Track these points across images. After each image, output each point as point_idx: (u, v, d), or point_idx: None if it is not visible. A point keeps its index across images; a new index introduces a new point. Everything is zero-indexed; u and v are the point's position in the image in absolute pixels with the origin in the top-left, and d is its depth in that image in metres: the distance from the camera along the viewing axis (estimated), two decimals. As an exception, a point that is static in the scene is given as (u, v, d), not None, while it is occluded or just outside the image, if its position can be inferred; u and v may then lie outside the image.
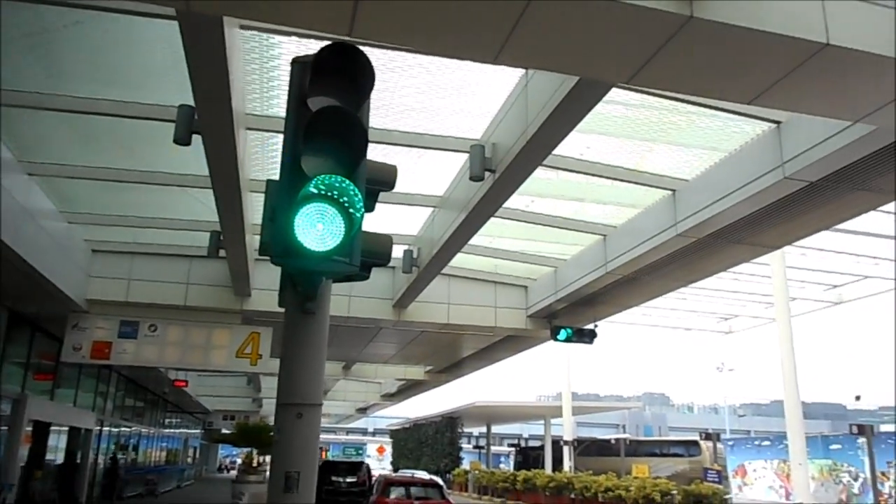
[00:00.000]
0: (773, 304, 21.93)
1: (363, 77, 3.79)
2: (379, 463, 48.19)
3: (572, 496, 24.79)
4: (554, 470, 32.29)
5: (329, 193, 3.43)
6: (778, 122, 8.98)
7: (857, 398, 46.60)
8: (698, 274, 13.66)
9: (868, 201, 9.63)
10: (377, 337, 21.88)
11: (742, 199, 9.54)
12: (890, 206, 18.58)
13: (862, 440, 18.68)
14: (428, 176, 12.11)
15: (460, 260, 15.57)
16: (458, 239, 12.25)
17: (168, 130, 8.25)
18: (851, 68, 5.85)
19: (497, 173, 9.24)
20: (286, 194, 3.61)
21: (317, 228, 3.40)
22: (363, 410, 52.10)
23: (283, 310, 4.31)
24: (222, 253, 13.06)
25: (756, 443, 41.44)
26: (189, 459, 47.52)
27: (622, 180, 11.22)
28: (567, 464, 31.80)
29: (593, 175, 11.14)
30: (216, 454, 66.65)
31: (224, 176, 9.33)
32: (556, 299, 15.82)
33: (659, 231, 11.51)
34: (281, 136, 4.68)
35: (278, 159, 4.02)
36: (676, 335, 43.42)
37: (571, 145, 10.62)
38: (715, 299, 28.89)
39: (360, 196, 3.47)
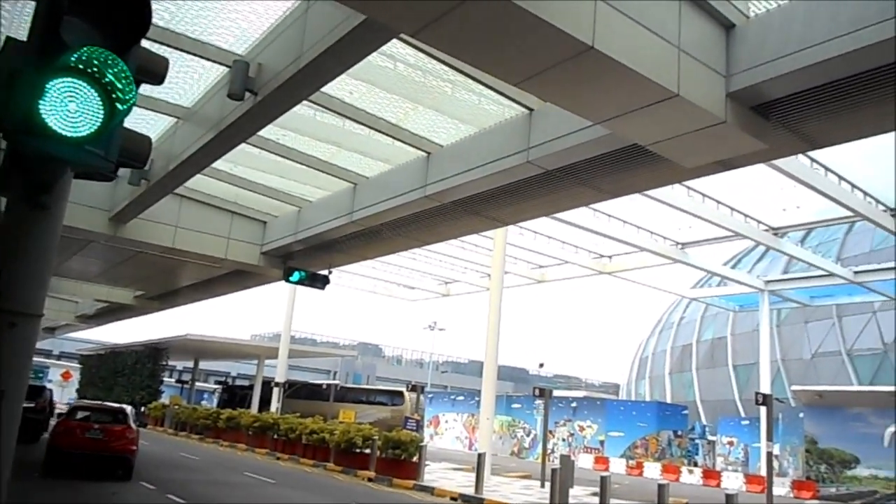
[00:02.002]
0: (490, 275, 23.95)
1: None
2: (63, 390, 43.37)
3: (276, 437, 24.86)
4: (261, 411, 32.07)
5: (91, 71, 2.80)
6: (531, 110, 9.68)
7: (541, 365, 53.79)
8: (436, 237, 14.36)
9: (589, 197, 10.90)
10: (84, 251, 19.45)
11: (488, 174, 10.16)
12: (599, 205, 21.31)
13: (539, 402, 21.43)
14: (176, 83, 10.91)
15: (198, 182, 14.43)
16: (201, 159, 11.29)
17: None
18: (606, 75, 6.48)
19: (259, 96, 8.61)
20: (34, 59, 2.86)
21: (68, 109, 2.75)
22: (51, 330, 46.34)
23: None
24: None
25: (452, 397, 45.68)
26: None
27: (382, 132, 11.24)
28: (275, 405, 31.77)
29: (355, 121, 11.00)
30: None
31: None
32: (296, 240, 15.49)
33: (409, 190, 11.80)
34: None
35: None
36: (399, 291, 45.88)
37: (339, 87, 10.36)
38: (441, 263, 30.91)
39: (131, 81, 2.88)
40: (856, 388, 30.62)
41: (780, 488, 25.07)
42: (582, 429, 35.42)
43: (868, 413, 25.08)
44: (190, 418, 32.48)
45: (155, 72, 3.57)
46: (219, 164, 13.40)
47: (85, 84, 2.82)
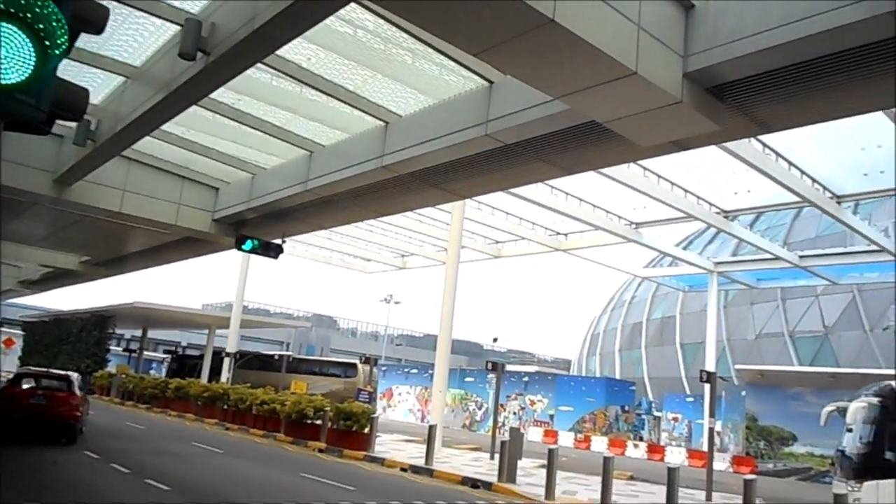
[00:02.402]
0: (447, 249, 23.96)
1: None
2: (5, 357, 42.03)
3: (226, 407, 24.60)
4: (211, 381, 31.65)
5: (21, 14, 2.62)
6: (491, 82, 9.60)
7: (495, 340, 54.42)
8: (393, 208, 14.25)
9: (546, 172, 10.93)
10: (27, 213, 18.73)
11: (446, 146, 10.08)
12: (557, 180, 21.43)
13: (492, 375, 21.64)
14: (125, 41, 10.50)
15: (148, 144, 14.02)
16: (151, 120, 10.92)
17: None
18: (566, 49, 6.44)
19: (211, 56, 8.32)
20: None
21: (-3, 54, 2.59)
22: (-8, 295, 44.81)
23: None
24: None
25: (406, 370, 45.87)
26: None
27: (340, 100, 11.04)
28: (225, 375, 31.40)
29: (312, 88, 10.77)
30: None
31: None
32: (249, 208, 15.18)
33: (366, 159, 11.64)
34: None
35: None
36: (355, 263, 45.34)
37: (296, 51, 10.12)
38: (398, 236, 30.79)
39: (64, 26, 2.71)
40: (796, 368, 31.78)
41: (721, 463, 25.96)
42: (533, 403, 36.01)
43: (806, 393, 26.09)
44: (137, 387, 31.88)
45: (93, 20, 3.37)
46: (170, 128, 13.02)
47: (14, 29, 2.66)
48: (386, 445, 20.82)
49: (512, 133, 9.27)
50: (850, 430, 16.32)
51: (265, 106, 12.34)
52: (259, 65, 10.10)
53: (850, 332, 34.36)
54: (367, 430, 18.79)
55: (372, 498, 11.64)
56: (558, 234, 28.23)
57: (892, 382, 15.72)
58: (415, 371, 43.69)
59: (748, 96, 7.40)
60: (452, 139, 9.94)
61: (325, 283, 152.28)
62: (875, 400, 15.50)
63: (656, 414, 37.88)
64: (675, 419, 35.25)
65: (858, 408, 16.12)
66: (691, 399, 34.46)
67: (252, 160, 14.99)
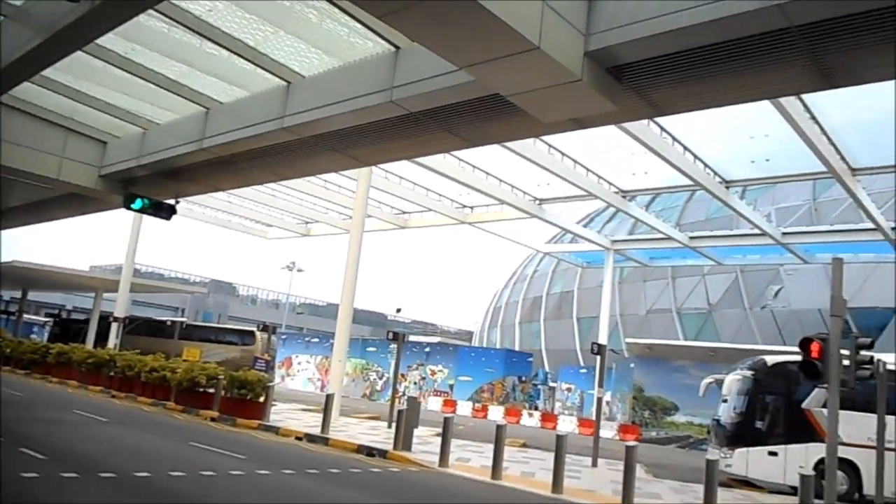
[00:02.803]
0: (351, 217, 23.66)
1: None
2: None
3: (112, 374, 23.46)
4: (97, 347, 30.06)
5: None
6: (398, 48, 9.42)
7: (398, 310, 54.34)
8: (294, 172, 13.87)
9: (451, 143, 10.90)
10: None
11: (350, 111, 9.85)
12: (464, 152, 21.51)
13: (394, 346, 21.67)
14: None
15: (28, 91, 12.97)
16: (31, 64, 10.08)
17: None
18: (471, 18, 6.36)
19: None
20: None
21: None
22: None
23: None
24: None
25: (306, 339, 45.27)
26: None
27: (240, 56, 10.54)
28: (113, 341, 29.89)
29: (210, 40, 10.24)
30: None
31: None
32: (139, 164, 14.34)
33: (266, 119, 11.22)
34: None
35: None
36: (256, 228, 43.74)
37: (195, 1, 9.57)
38: (302, 202, 30.11)
39: None
40: (681, 343, 33.67)
41: (609, 431, 27.29)
42: (433, 373, 36.48)
43: (689, 366, 27.72)
44: (15, 352, 29.87)
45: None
46: (54, 75, 12.11)
47: None
48: (282, 415, 20.52)
49: (417, 101, 9.15)
50: (725, 401, 17.50)
51: (160, 57, 11.64)
52: (153, 13, 9.51)
53: (731, 310, 36.70)
54: (262, 399, 18.42)
55: (263, 466, 11.43)
56: (464, 206, 28.46)
57: (766, 357, 16.93)
58: (316, 340, 43.18)
59: (644, 79, 7.61)
60: (357, 103, 9.72)
61: (224, 248, 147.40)
62: (749, 373, 16.66)
63: (552, 384, 39.28)
64: (569, 389, 36.70)
65: (734, 380, 17.29)
66: (584, 370, 35.91)
67: (144, 114, 14.14)
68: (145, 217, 21.98)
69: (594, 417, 19.56)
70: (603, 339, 29.41)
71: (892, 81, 12.16)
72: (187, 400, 19.72)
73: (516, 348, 44.97)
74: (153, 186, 15.44)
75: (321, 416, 17.09)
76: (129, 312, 33.29)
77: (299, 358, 42.13)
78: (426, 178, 24.88)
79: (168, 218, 15.63)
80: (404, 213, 30.45)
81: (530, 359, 38.79)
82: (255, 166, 13.22)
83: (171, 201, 15.73)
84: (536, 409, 35.65)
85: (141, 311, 46.58)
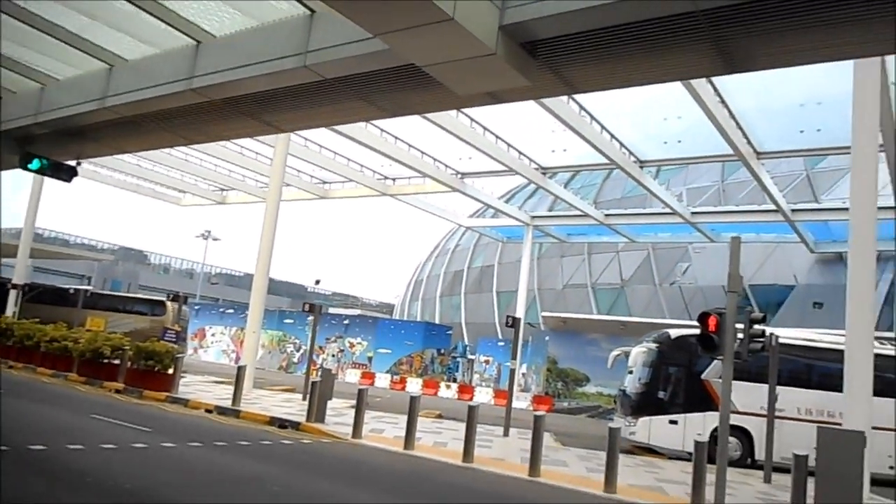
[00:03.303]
0: (268, 186, 23.08)
1: None
2: None
3: (9, 344, 22.18)
4: (-6, 314, 28.34)
5: None
6: (313, 11, 9.13)
7: (318, 282, 53.31)
8: (205, 136, 13.31)
9: (368, 112, 10.70)
10: None
11: (262, 74, 9.50)
12: (386, 123, 21.28)
13: (311, 318, 21.43)
14: None
15: None
16: None
17: None
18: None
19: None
20: None
21: None
22: None
23: None
24: None
25: (221, 310, 44.14)
26: None
27: (146, 11, 9.98)
28: (11, 310, 28.25)
29: (113, -9, 9.63)
30: None
31: None
32: (37, 122, 13.42)
33: (174, 79, 10.68)
34: None
35: None
36: (169, 194, 41.57)
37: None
38: (217, 168, 29.11)
39: None
40: (594, 316, 34.80)
41: (523, 402, 28.08)
42: (352, 345, 36.35)
43: (601, 339, 28.76)
44: None
45: None
46: (-62, 21, 11.11)
47: None
48: (193, 387, 20.02)
49: (332, 67, 8.91)
50: (631, 372, 18.25)
51: (60, 7, 10.87)
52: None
53: (642, 286, 38.15)
54: (171, 371, 17.87)
55: (168, 439, 11.12)
56: (386, 178, 28.25)
57: (670, 331, 17.69)
58: (231, 311, 42.18)
59: (558, 55, 7.66)
60: (270, 67, 9.37)
61: (135, 214, 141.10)
62: (653, 346, 17.40)
63: (470, 357, 39.90)
64: (487, 362, 37.36)
65: (639, 352, 18.03)
66: (502, 343, 36.60)
67: (43, 68, 13.21)
68: (47, 179, 20.73)
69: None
70: (520, 313, 30.03)
71: (798, 69, 12.78)
72: (91, 371, 18.90)
73: (437, 321, 45.34)
74: (53, 146, 14.51)
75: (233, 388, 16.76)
76: (30, 279, 31.47)
77: (213, 329, 41.08)
78: (347, 148, 24.51)
79: (69, 180, 14.78)
80: (325, 182, 29.95)
81: (450, 332, 39.21)
82: (162, 128, 12.60)
83: (73, 163, 14.87)
84: (455, 381, 36.17)
85: (44, 278, 44.07)
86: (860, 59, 11.88)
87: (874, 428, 12.18)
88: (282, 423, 14.64)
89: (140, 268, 71.17)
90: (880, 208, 13.60)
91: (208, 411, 15.80)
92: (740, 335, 10.76)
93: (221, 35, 10.29)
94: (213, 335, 40.89)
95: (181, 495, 7.82)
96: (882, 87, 13.20)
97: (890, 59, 13.55)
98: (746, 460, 15.90)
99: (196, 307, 43.15)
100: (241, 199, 33.01)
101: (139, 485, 7.89)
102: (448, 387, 32.05)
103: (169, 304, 28.84)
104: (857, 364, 12.09)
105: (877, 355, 13.04)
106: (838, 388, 12.57)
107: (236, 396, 16.22)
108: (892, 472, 14.24)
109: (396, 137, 22.55)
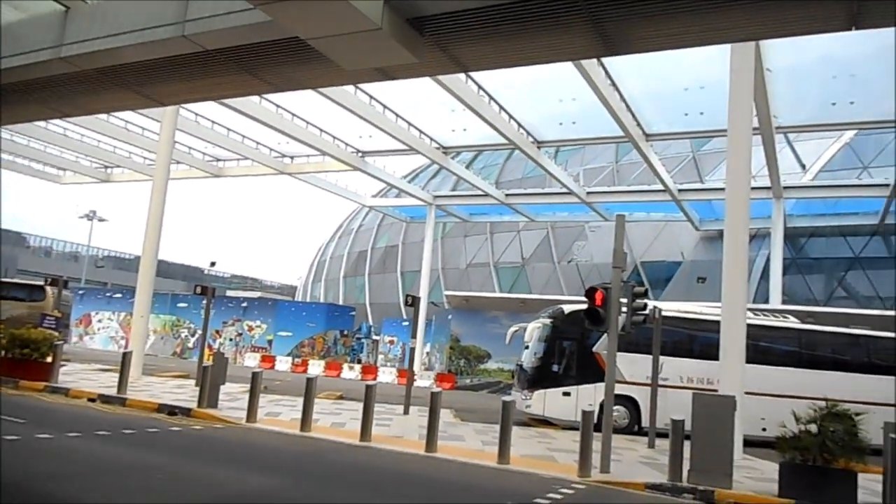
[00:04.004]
0: (155, 163, 21.96)
1: None
2: None
3: None
4: None
5: None
6: (193, -22, 8.69)
7: (213, 264, 51.50)
8: (78, 109, 12.47)
9: (254, 86, 10.33)
10: None
11: (137, 43, 8.98)
12: (281, 99, 20.61)
13: (205, 301, 20.64)
14: None
15: None
16: None
17: None
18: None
19: None
20: None
21: None
22: None
23: None
24: None
25: (108, 294, 41.87)
26: None
27: (4, -30, 9.18)
28: None
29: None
30: None
31: None
32: None
33: (40, 47, 9.92)
34: None
35: None
36: (48, 171, 38.69)
37: None
38: (101, 145, 27.41)
39: None
40: (495, 294, 35.48)
41: (426, 381, 28.31)
42: (251, 329, 35.41)
43: (502, 316, 29.34)
44: None
45: None
46: None
47: None
48: (76, 375, 18.92)
49: (212, 38, 8.53)
50: (527, 347, 18.73)
51: None
52: None
53: (542, 264, 39.18)
54: (49, 359, 16.79)
55: (45, 430, 10.45)
56: (284, 156, 27.52)
57: (563, 307, 18.24)
58: (119, 295, 40.07)
59: (445, 33, 7.65)
60: (145, 36, 8.86)
61: (10, 193, 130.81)
62: (548, 321, 17.91)
63: (375, 337, 39.80)
64: (391, 342, 37.41)
65: (535, 328, 18.51)
66: (407, 323, 36.71)
67: None
68: None
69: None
70: (424, 293, 30.23)
71: (682, 55, 13.35)
72: (-42, 363, 17.48)
73: (340, 303, 44.88)
74: None
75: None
76: None
77: (100, 315, 38.94)
78: (241, 124, 23.65)
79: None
80: (218, 160, 28.81)
81: (353, 312, 38.93)
82: (30, 100, 11.68)
83: (-73, 136, 13.58)
84: (360, 362, 36.02)
85: None
86: (736, 45, 12.51)
87: (748, 393, 13.08)
88: (171, 410, 14.08)
89: (18, 251, 66.16)
90: (756, 188, 14.47)
91: (91, 400, 14.97)
92: (624, 309, 11.24)
93: (93, 1, 9.62)
94: (99, 321, 38.75)
95: (59, 488, 7.37)
96: (756, 72, 14.00)
97: (765, 44, 14.35)
98: (634, 427, 16.67)
99: (80, 292, 40.74)
100: (128, 178, 31.27)
101: (12, 478, 7.37)
102: (351, 368, 31.89)
103: (48, 288, 26.95)
104: (731, 334, 12.90)
105: (750, 325, 13.97)
106: (717, 357, 13.36)
107: (122, 384, 15.45)
108: (765, 433, 15.30)
109: (293, 114, 21.96)
